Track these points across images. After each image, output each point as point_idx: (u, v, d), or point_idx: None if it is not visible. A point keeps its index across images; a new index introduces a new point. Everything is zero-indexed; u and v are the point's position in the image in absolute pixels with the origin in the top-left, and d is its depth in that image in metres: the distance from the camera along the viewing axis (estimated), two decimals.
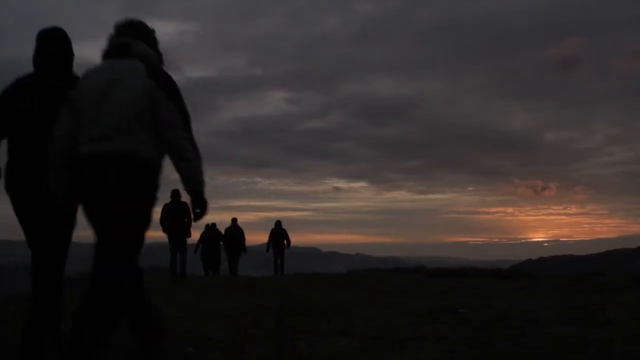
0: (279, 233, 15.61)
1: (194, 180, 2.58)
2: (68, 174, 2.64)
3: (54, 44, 3.12)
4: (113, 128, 2.51)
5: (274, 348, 3.49)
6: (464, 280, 10.00)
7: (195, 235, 13.36)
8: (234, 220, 15.41)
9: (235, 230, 15.18)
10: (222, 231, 15.08)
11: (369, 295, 7.01)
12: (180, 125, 2.55)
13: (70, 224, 3.03)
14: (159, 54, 2.93)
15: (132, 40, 2.79)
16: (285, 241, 15.61)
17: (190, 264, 11.59)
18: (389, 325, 4.30)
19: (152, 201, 2.61)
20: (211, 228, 14.68)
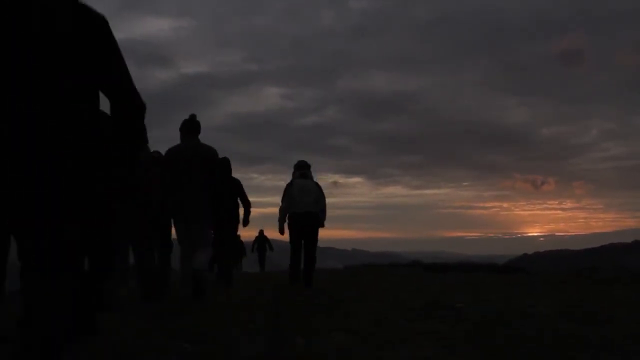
0: (261, 239, 18.52)
1: (323, 218, 7.42)
2: (285, 219, 7.43)
3: (224, 169, 6.62)
4: (310, 203, 7.20)
5: (272, 343, 3.47)
6: (461, 276, 10.01)
7: None
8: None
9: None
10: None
11: (365, 290, 7.00)
12: (324, 202, 7.43)
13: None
14: (311, 173, 7.60)
15: (308, 169, 7.52)
16: (267, 245, 18.60)
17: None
18: (387, 321, 4.29)
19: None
20: None
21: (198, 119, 5.47)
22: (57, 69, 1.88)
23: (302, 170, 7.43)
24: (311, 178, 7.43)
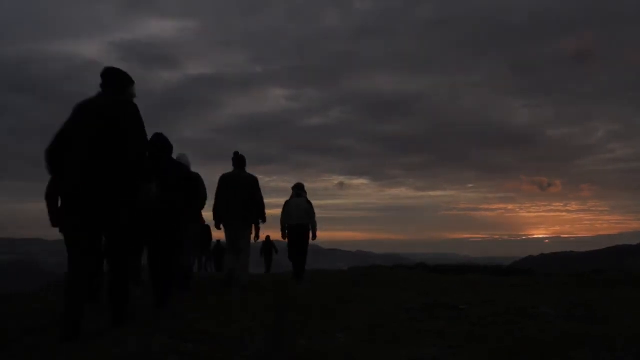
0: (268, 245, 19.59)
1: (315, 231, 9.60)
2: (286, 230, 9.55)
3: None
4: (302, 216, 9.40)
5: (273, 343, 3.48)
6: (464, 277, 9.99)
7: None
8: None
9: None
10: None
11: (369, 291, 7.00)
12: (314, 216, 9.55)
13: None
14: (305, 192, 9.78)
15: (302, 190, 9.76)
16: (273, 249, 19.87)
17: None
18: (389, 321, 4.29)
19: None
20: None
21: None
22: (117, 136, 3.70)
23: (297, 190, 9.79)
24: (305, 197, 9.71)
